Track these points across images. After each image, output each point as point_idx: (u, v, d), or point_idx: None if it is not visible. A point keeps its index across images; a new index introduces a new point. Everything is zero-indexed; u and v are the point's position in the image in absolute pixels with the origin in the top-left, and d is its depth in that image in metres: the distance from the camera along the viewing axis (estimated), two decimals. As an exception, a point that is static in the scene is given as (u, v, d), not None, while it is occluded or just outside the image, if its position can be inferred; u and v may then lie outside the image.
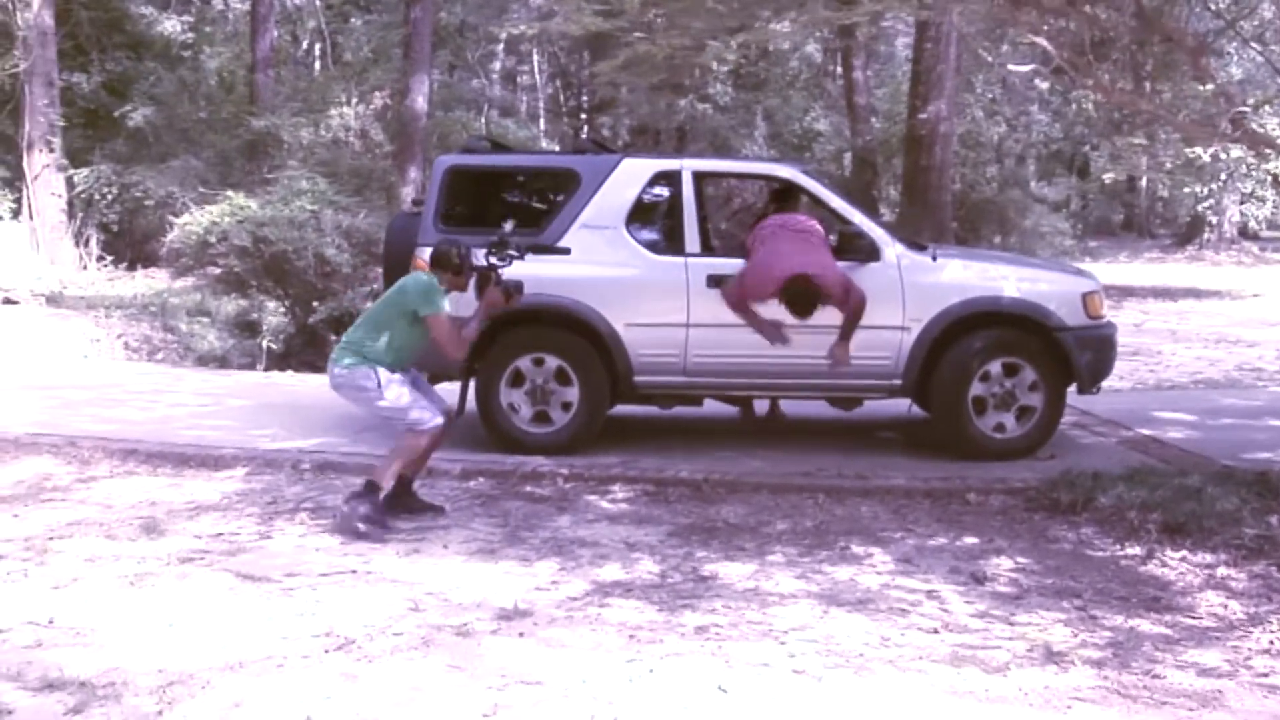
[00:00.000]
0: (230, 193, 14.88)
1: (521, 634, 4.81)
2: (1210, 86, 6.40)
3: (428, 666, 4.44)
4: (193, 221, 14.13)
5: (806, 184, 8.19)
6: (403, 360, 6.47)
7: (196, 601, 5.19)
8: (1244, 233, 32.88)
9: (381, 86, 24.14)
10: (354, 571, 5.64)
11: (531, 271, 7.70)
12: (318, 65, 30.03)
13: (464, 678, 4.32)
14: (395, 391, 6.34)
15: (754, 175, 11.94)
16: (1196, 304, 20.41)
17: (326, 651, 4.56)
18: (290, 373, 12.77)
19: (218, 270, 14.49)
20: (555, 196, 8.24)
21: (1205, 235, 31.98)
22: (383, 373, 6.32)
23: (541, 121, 32.98)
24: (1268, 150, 6.17)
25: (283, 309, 13.92)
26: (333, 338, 13.82)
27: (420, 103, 19.56)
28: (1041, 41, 6.33)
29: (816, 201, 8.21)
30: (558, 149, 24.04)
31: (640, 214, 8.07)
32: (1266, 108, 6.63)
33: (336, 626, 4.82)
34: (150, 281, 19.09)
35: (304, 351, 13.66)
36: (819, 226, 7.81)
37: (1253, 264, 29.32)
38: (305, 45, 31.23)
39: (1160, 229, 38.21)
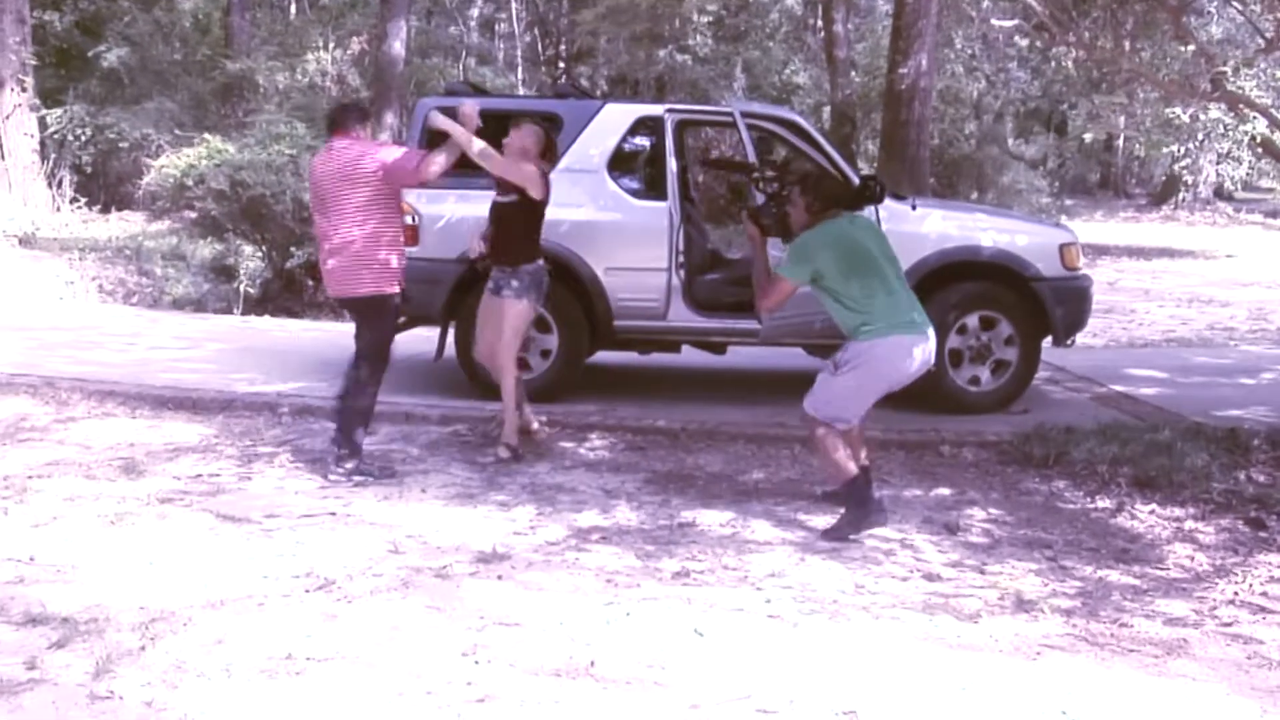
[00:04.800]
0: (207, 136, 14.74)
1: (500, 577, 4.85)
2: (1191, 47, 6.40)
3: (407, 607, 4.48)
4: (169, 164, 14.02)
5: (804, 125, 8.09)
6: None
7: (176, 541, 5.21)
8: (1219, 193, 33.01)
9: (359, 31, 23.87)
10: (334, 514, 5.67)
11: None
12: (293, 9, 29.70)
13: (443, 618, 4.36)
14: None
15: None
16: (1170, 263, 20.52)
17: (307, 591, 4.60)
18: (268, 317, 12.75)
19: (194, 214, 14.38)
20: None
21: (1180, 195, 32.06)
22: None
23: (520, 70, 32.63)
24: (1247, 110, 6.19)
25: (260, 254, 13.83)
26: (310, 283, 13.76)
27: (398, 48, 19.32)
28: (1026, -3, 6.31)
29: (814, 145, 8.10)
30: (536, 95, 23.87)
31: (622, 159, 8.03)
32: (1245, 69, 6.61)
33: (317, 567, 4.86)
34: (124, 224, 18.94)
35: (281, 296, 13.61)
36: None
37: (1226, 225, 29.47)
38: (282, -12, 30.84)
39: (1136, 189, 38.30)
